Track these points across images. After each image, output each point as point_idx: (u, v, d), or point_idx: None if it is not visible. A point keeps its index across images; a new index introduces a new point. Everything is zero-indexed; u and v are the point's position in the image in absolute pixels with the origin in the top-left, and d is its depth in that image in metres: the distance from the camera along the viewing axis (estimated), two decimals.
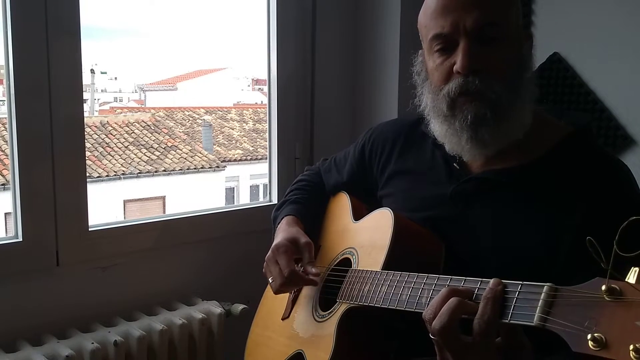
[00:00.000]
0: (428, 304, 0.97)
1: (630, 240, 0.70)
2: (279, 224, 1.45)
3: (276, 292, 1.31)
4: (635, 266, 0.70)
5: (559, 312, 0.77)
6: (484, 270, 1.03)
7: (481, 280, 0.90)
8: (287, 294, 1.41)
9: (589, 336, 0.70)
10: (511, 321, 0.83)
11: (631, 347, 0.66)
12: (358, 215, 1.36)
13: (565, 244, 1.04)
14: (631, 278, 0.71)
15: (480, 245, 1.13)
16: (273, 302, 1.47)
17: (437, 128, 1.16)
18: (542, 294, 0.80)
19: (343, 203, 1.45)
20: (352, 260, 1.27)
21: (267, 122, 2.18)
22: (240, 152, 9.21)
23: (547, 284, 0.80)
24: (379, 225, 1.22)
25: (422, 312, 0.98)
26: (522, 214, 1.10)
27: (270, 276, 1.31)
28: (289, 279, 1.26)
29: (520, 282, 0.84)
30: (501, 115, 1.08)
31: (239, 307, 1.81)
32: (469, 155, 1.15)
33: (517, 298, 0.83)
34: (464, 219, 1.16)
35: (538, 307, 0.79)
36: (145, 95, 11.76)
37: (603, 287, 0.72)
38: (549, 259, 1.05)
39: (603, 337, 0.69)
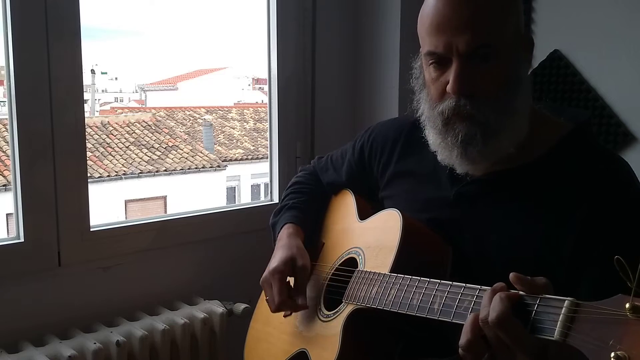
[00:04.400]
0: (441, 310, 0.97)
1: None
2: (278, 232, 1.45)
3: (273, 312, 1.33)
4: None
5: (580, 327, 0.76)
6: (488, 272, 1.02)
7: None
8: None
9: (612, 354, 0.69)
10: (531, 334, 0.82)
11: None
12: (363, 214, 1.35)
13: (569, 243, 1.04)
14: None
15: (484, 246, 1.13)
16: None
17: (432, 138, 1.17)
18: (563, 309, 0.79)
19: (348, 201, 1.45)
20: (358, 260, 1.27)
21: (268, 121, 2.18)
22: (241, 151, 9.21)
23: (569, 298, 0.80)
24: (386, 226, 1.21)
25: (430, 320, 0.98)
26: (524, 214, 1.10)
27: (267, 297, 1.33)
28: (279, 308, 1.30)
29: (539, 296, 0.84)
30: (490, 136, 1.08)
31: (241, 307, 1.81)
32: (460, 168, 1.15)
33: (535, 311, 0.82)
34: (467, 221, 1.16)
35: (559, 322, 0.78)
36: (145, 95, 11.76)
37: (627, 305, 0.71)
38: (553, 258, 1.05)
39: (627, 355, 0.68)
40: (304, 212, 1.48)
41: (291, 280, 1.34)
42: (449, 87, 1.07)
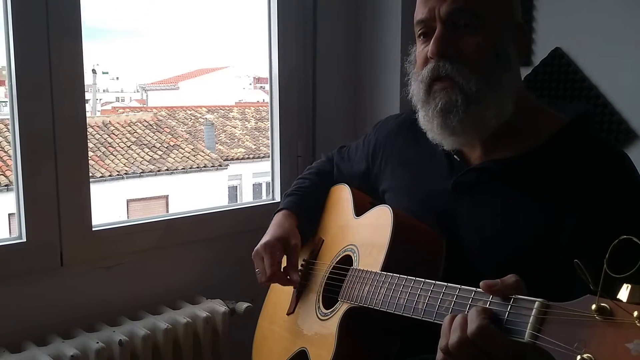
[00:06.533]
0: (425, 310, 0.98)
1: (621, 255, 0.69)
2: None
3: (260, 286, 1.38)
4: (627, 282, 0.69)
5: (549, 329, 0.76)
6: (487, 261, 1.03)
7: (475, 290, 0.90)
8: (292, 288, 1.43)
9: (578, 357, 0.69)
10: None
11: None
12: (360, 209, 1.36)
13: (566, 231, 1.04)
14: (623, 294, 0.70)
15: (483, 235, 1.13)
16: (279, 296, 1.48)
17: (420, 115, 1.18)
18: (534, 310, 0.79)
19: (345, 197, 1.45)
20: (353, 258, 1.27)
21: (269, 120, 2.18)
22: (243, 150, 9.22)
23: (539, 299, 0.79)
24: (378, 224, 1.21)
25: (418, 319, 0.99)
26: (522, 202, 1.10)
27: (257, 269, 1.37)
28: (270, 279, 1.34)
29: (512, 296, 0.83)
30: (471, 103, 1.08)
31: (243, 306, 1.81)
32: (446, 144, 1.16)
33: (509, 312, 0.83)
34: (465, 210, 1.16)
35: (529, 324, 0.78)
36: (147, 95, 11.77)
37: (593, 306, 0.71)
38: (552, 247, 1.05)
39: (593, 358, 0.68)
40: (304, 198, 1.51)
41: (283, 260, 1.37)
42: (428, 51, 1.10)
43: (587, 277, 0.72)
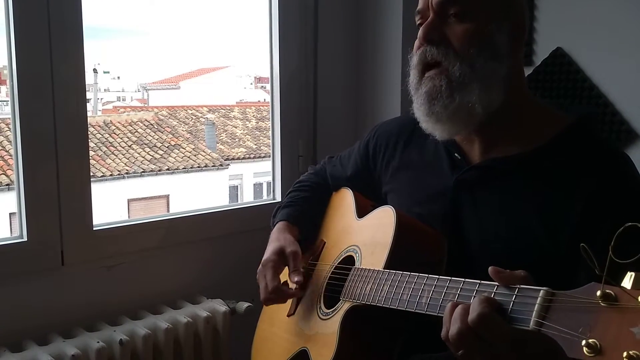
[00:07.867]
0: (429, 304, 0.97)
1: (626, 243, 0.69)
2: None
3: (264, 304, 1.37)
4: (631, 271, 0.70)
5: (554, 316, 0.76)
6: (488, 260, 1.02)
7: (480, 283, 0.90)
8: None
9: (584, 342, 0.69)
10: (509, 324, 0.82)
11: (625, 353, 0.65)
12: (362, 212, 1.36)
13: (566, 231, 1.04)
14: (627, 283, 0.70)
15: (484, 234, 1.13)
16: None
17: (413, 104, 1.19)
18: (539, 298, 0.79)
19: (347, 200, 1.45)
20: (355, 258, 1.27)
21: (270, 120, 2.18)
22: (244, 150, 9.23)
23: (544, 288, 0.80)
24: (381, 224, 1.21)
25: (421, 313, 0.98)
26: (523, 201, 1.10)
27: (261, 289, 1.36)
28: (273, 294, 1.32)
29: (517, 286, 0.84)
30: (455, 89, 1.09)
31: (243, 305, 1.81)
32: (437, 134, 1.17)
33: (514, 302, 0.83)
34: (467, 208, 1.16)
35: (534, 312, 0.78)
36: (148, 94, 11.80)
37: (598, 293, 0.71)
38: (552, 247, 1.05)
39: (598, 343, 0.69)
40: (300, 208, 1.50)
41: (285, 274, 1.36)
42: (418, 37, 1.13)
43: (593, 262, 0.72)
